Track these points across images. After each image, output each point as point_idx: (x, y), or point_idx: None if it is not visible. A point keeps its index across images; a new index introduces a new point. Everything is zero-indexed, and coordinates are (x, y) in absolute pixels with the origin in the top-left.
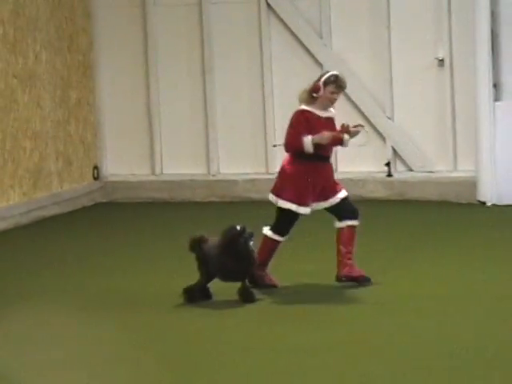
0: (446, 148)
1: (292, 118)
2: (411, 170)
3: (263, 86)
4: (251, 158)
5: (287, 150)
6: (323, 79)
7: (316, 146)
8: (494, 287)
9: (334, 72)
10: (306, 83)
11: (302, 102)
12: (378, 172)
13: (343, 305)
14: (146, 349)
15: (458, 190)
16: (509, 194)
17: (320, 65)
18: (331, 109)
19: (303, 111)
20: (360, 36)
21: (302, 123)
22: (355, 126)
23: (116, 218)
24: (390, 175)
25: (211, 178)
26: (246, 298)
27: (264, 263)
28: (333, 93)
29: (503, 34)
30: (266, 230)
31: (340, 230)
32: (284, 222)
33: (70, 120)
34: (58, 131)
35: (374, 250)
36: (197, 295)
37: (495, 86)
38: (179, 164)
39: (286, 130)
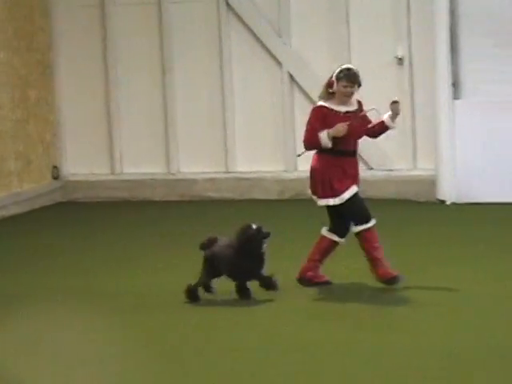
0: (406, 146)
1: (310, 115)
2: (371, 168)
3: (223, 85)
4: (211, 157)
5: (306, 148)
6: (335, 74)
7: (337, 140)
8: (454, 284)
9: (347, 66)
10: (266, 82)
11: (320, 98)
12: None
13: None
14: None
15: (417, 189)
16: (468, 193)
17: (279, 64)
18: (353, 102)
19: (320, 107)
20: (319, 35)
21: (318, 119)
22: (393, 103)
23: (76, 217)
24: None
25: (171, 177)
26: (243, 295)
27: (319, 262)
28: (346, 87)
29: (462, 33)
30: (324, 230)
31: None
32: (354, 210)
33: (29, 120)
34: (17, 131)
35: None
36: (199, 294)
37: (454, 84)
38: (139, 163)
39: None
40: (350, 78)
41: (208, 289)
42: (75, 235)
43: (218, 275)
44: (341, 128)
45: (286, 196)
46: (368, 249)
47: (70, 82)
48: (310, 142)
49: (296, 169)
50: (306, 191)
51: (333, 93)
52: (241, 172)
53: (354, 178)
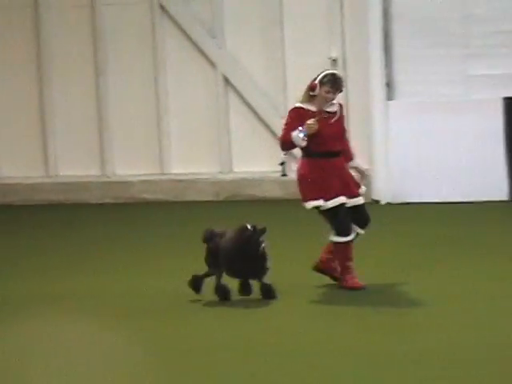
0: None
1: (287, 116)
2: None
3: (157, 87)
4: (146, 159)
5: (282, 148)
6: (319, 78)
7: (319, 141)
8: (391, 282)
9: (332, 71)
10: (200, 84)
11: (301, 99)
12: (273, 172)
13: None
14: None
15: None
16: (402, 193)
17: (214, 65)
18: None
19: (296, 108)
20: (253, 36)
21: (295, 120)
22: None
23: (11, 220)
24: (284, 175)
25: (106, 179)
26: (266, 294)
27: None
28: (328, 92)
29: (396, 34)
30: (332, 237)
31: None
32: (335, 221)
33: None
34: None
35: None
36: (202, 284)
37: (388, 85)
38: (74, 166)
39: None
40: (334, 84)
41: (224, 294)
42: (11, 239)
43: (220, 268)
44: (311, 124)
45: (221, 197)
46: (337, 258)
47: (4, 84)
48: (285, 142)
49: (231, 170)
50: (241, 192)
51: (314, 96)
52: (176, 174)
53: (343, 181)
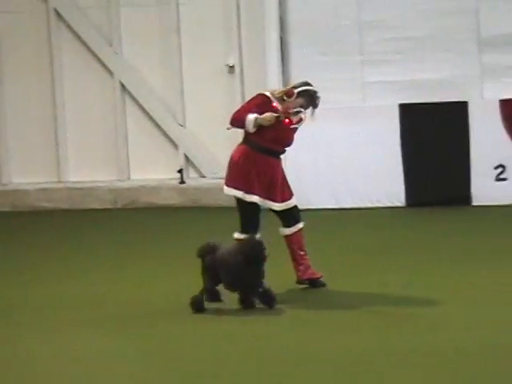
0: None
1: (250, 98)
2: (204, 176)
3: (54, 95)
4: (43, 167)
5: (231, 123)
6: (299, 89)
7: (267, 137)
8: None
9: (313, 88)
10: (97, 91)
11: (274, 94)
12: (171, 179)
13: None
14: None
15: None
16: (301, 200)
17: (111, 73)
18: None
19: (263, 95)
20: (150, 43)
21: (255, 105)
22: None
23: None
24: (182, 182)
25: (2, 187)
26: (247, 305)
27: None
28: (301, 105)
29: (292, 41)
30: (237, 235)
31: (292, 235)
32: (245, 217)
33: None
34: None
35: (166, 258)
36: (203, 304)
37: None
38: None
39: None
40: (310, 101)
41: (214, 296)
42: None
43: (218, 283)
44: (268, 117)
45: (119, 205)
46: (301, 246)
47: None
48: (237, 120)
49: (129, 177)
50: (139, 199)
51: (285, 100)
52: (73, 182)
53: (272, 183)
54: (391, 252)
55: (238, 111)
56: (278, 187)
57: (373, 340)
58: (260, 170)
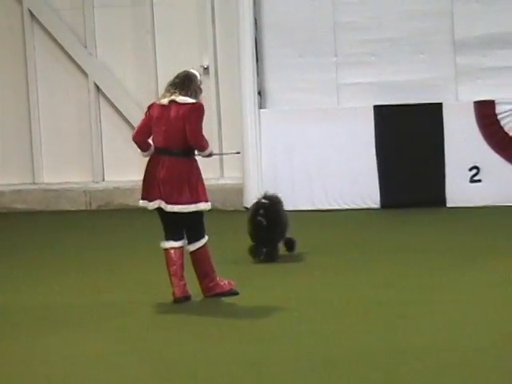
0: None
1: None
2: None
3: (28, 96)
4: (17, 169)
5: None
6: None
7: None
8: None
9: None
10: (72, 93)
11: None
12: None
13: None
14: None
15: (224, 197)
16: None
17: (85, 74)
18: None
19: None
20: (125, 45)
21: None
22: None
23: None
24: None
25: None
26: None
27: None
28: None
29: (267, 43)
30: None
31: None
32: (162, 223)
33: None
34: None
35: (141, 259)
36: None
37: (260, 93)
38: None
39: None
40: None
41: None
42: None
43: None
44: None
45: (94, 206)
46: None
47: None
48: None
49: (103, 179)
50: (113, 201)
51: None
52: (47, 183)
53: (170, 184)
54: (366, 253)
55: (203, 136)
56: (181, 189)
57: (340, 343)
58: (153, 172)
